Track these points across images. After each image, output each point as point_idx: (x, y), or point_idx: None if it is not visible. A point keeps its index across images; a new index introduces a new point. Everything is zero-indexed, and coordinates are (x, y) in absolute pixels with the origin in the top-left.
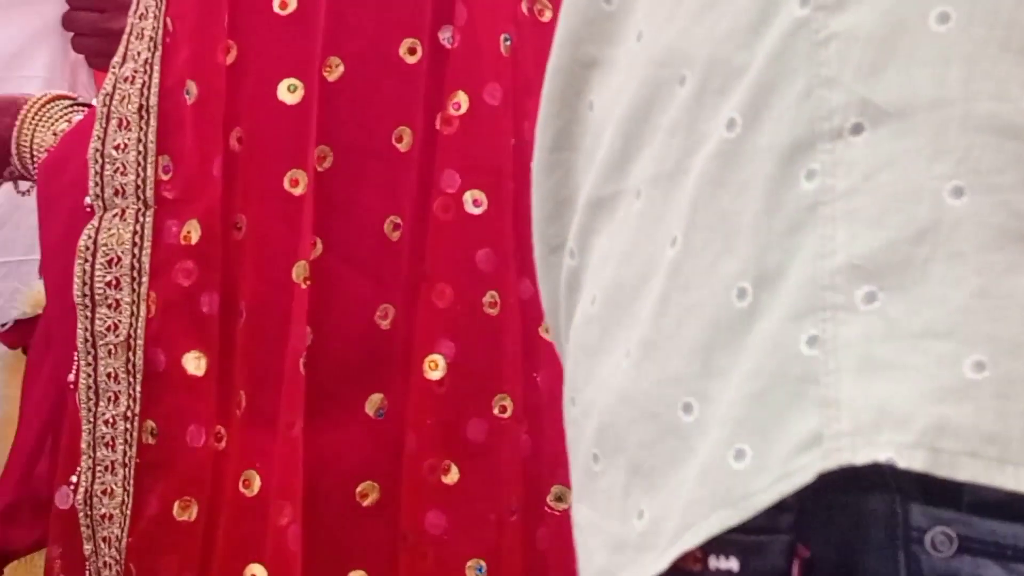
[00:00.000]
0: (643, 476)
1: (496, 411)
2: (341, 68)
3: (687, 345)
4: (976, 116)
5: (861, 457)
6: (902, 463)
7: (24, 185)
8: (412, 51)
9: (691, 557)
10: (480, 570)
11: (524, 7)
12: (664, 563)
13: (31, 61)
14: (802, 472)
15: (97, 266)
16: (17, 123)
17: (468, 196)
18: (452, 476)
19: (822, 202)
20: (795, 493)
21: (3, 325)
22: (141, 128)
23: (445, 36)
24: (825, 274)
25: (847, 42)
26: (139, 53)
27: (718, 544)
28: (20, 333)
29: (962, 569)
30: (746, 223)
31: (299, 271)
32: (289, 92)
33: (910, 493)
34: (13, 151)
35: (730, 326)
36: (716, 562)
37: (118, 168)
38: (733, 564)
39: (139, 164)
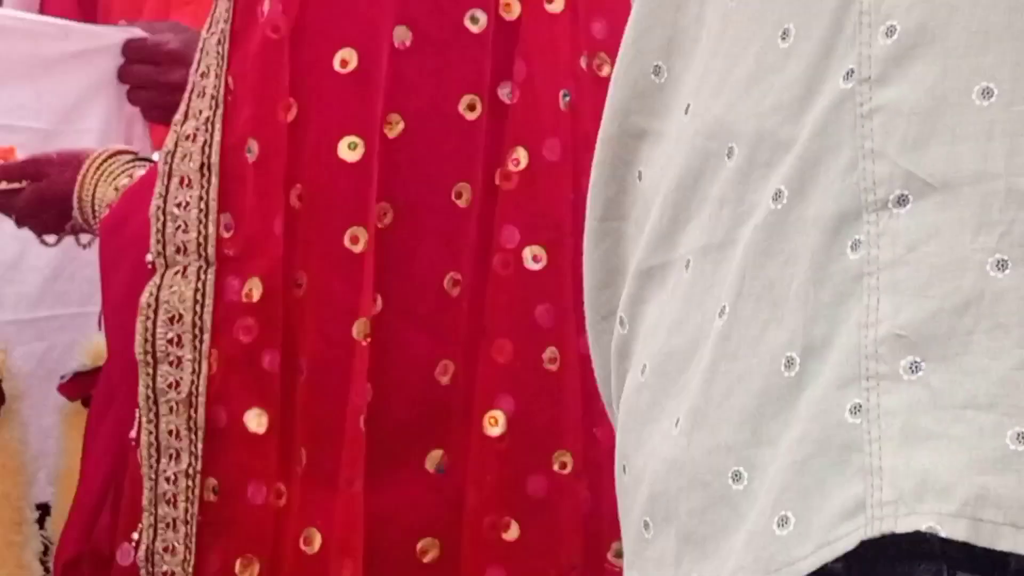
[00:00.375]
0: (694, 544)
1: (556, 467)
2: (401, 125)
3: (737, 414)
4: (1019, 191)
5: (903, 526)
6: (944, 532)
7: (85, 238)
8: (472, 107)
9: None
10: None
11: (583, 62)
12: None
13: (87, 114)
14: (845, 540)
15: (159, 323)
16: (79, 177)
17: (528, 252)
18: (512, 532)
19: (866, 272)
20: (844, 561)
21: (63, 377)
22: (203, 186)
23: (504, 92)
24: (869, 343)
25: (891, 116)
26: (201, 111)
27: None
28: (80, 385)
29: None
30: (793, 293)
31: (359, 328)
32: (349, 149)
33: (957, 561)
34: (75, 205)
35: (779, 395)
36: None
37: (180, 226)
38: None
39: (201, 222)
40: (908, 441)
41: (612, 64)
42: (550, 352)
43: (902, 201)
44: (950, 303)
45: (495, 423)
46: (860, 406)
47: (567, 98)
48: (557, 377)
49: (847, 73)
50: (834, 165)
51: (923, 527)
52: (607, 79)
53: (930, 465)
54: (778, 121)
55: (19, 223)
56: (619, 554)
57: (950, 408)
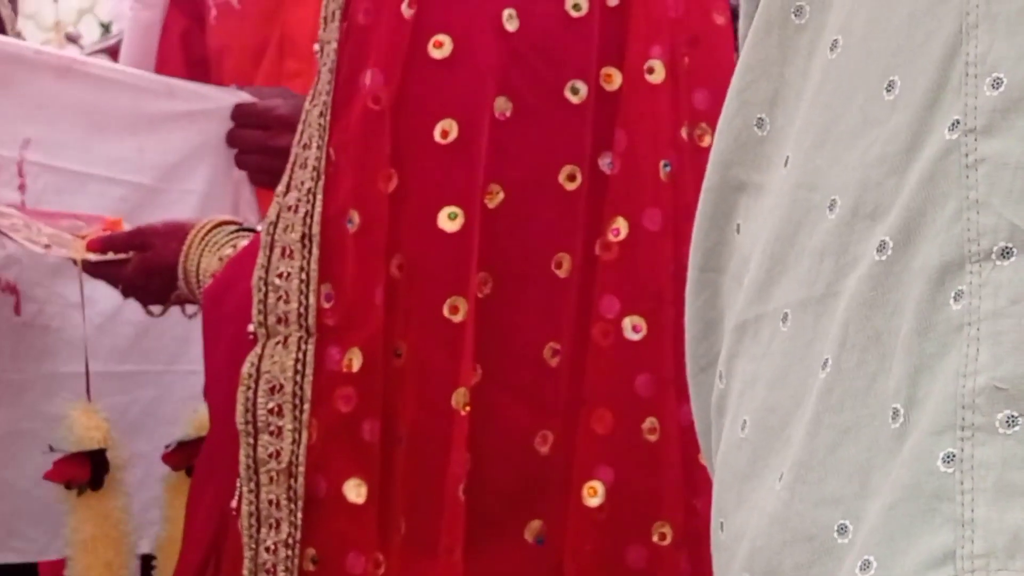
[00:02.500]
0: None
1: (655, 538)
2: (501, 195)
3: (845, 467)
4: None
5: None
6: None
7: (191, 308)
8: (572, 178)
9: None
10: None
11: (684, 132)
12: None
13: (191, 175)
14: None
15: (260, 393)
16: (184, 248)
17: (627, 322)
18: None
19: (967, 322)
20: None
21: (167, 446)
22: (304, 256)
23: (605, 162)
24: (967, 393)
25: (996, 167)
26: (303, 182)
27: None
28: (184, 455)
29: None
30: (900, 344)
31: (459, 397)
32: (449, 220)
33: None
34: (180, 275)
35: (887, 447)
36: None
37: (281, 296)
38: None
39: (301, 292)
40: (1001, 496)
41: (714, 134)
42: (650, 422)
43: (1006, 253)
44: None
45: (594, 493)
46: (954, 455)
47: (668, 168)
48: (657, 447)
49: (952, 124)
50: (939, 216)
51: None
52: (708, 149)
53: (1022, 522)
54: (884, 173)
55: (125, 294)
56: None
57: None
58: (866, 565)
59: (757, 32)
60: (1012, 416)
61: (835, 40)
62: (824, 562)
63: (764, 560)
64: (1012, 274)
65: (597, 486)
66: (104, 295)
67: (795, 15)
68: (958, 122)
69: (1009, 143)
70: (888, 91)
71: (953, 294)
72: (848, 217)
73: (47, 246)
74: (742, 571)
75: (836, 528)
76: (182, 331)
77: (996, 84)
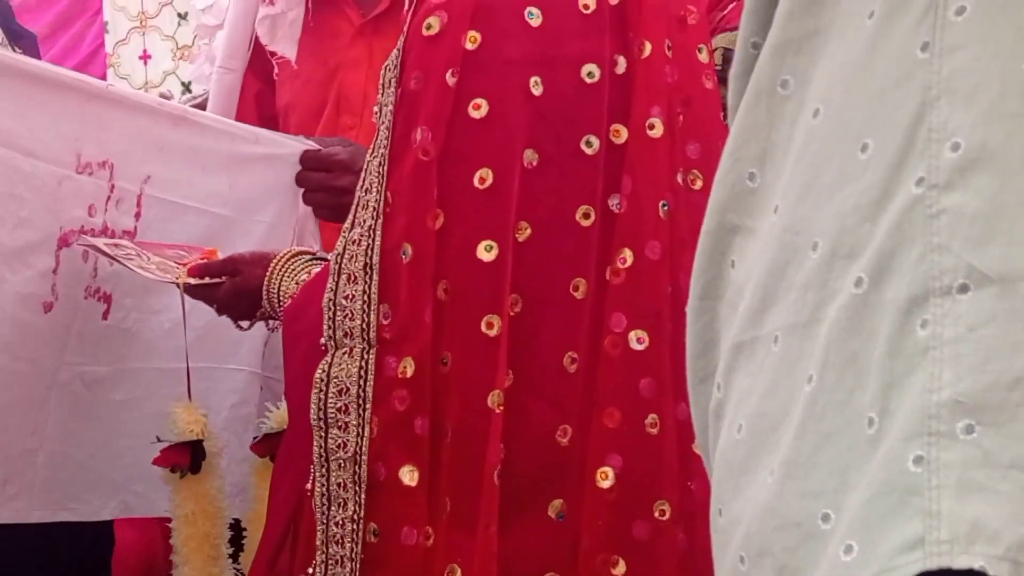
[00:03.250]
0: (788, 575)
1: (657, 514)
2: (529, 231)
3: (827, 465)
4: None
5: (959, 563)
6: (991, 571)
7: (273, 323)
8: (587, 216)
9: None
10: None
11: (680, 178)
12: None
13: (264, 208)
14: (904, 568)
15: (330, 395)
16: (267, 274)
17: (633, 335)
18: (620, 568)
19: (932, 346)
20: None
21: (255, 438)
22: (366, 282)
23: (614, 203)
24: (932, 405)
25: (956, 217)
26: (364, 220)
27: None
28: (268, 445)
29: None
30: (873, 364)
31: (494, 398)
32: (486, 251)
33: None
34: (264, 297)
35: (863, 450)
36: None
37: (347, 314)
38: None
39: (364, 311)
40: (963, 491)
41: (704, 179)
42: (651, 418)
43: (964, 289)
44: (1004, 379)
45: (606, 477)
46: (922, 457)
47: (666, 207)
48: (657, 439)
49: (918, 180)
50: (907, 257)
51: (976, 566)
52: (700, 192)
53: (981, 514)
54: (858, 220)
55: (219, 312)
56: None
57: (998, 467)
58: (849, 549)
59: (748, 101)
60: (970, 425)
61: (817, 108)
62: (809, 545)
63: (757, 543)
64: (969, 306)
65: (608, 471)
66: (175, 304)
67: (781, 87)
68: (923, 179)
69: (967, 197)
70: (862, 152)
71: (920, 323)
72: (828, 257)
73: (175, 280)
74: (738, 551)
75: (820, 516)
76: (236, 335)
77: (955, 147)
